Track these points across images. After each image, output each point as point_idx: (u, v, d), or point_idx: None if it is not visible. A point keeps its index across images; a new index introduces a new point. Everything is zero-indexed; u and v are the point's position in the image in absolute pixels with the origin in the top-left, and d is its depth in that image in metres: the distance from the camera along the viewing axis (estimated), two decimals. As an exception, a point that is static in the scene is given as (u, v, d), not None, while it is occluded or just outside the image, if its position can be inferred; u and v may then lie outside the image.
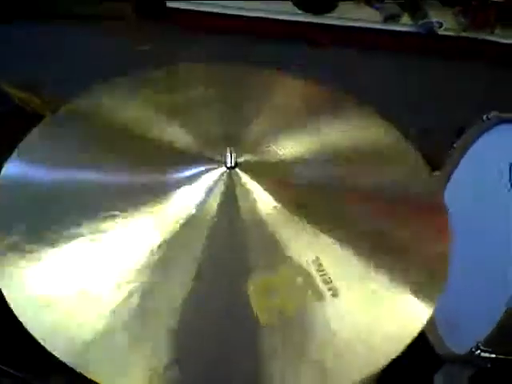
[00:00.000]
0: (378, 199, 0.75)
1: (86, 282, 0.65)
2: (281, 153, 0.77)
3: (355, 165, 0.78)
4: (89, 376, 0.59)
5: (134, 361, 0.61)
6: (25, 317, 0.62)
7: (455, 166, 1.44)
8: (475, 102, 1.63)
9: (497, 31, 1.97)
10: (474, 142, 1.38)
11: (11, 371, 1.11)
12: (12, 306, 0.63)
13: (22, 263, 0.66)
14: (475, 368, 1.37)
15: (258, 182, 0.72)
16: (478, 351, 1.13)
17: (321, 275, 0.66)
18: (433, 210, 0.75)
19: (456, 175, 1.44)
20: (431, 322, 1.39)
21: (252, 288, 0.64)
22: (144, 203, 0.70)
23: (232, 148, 0.72)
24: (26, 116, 1.39)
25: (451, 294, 1.33)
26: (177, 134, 0.79)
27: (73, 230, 0.68)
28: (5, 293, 0.64)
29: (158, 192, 0.71)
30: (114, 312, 0.63)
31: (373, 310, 0.66)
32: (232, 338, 0.63)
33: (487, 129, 1.33)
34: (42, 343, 0.60)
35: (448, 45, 1.97)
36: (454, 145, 1.42)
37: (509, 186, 1.18)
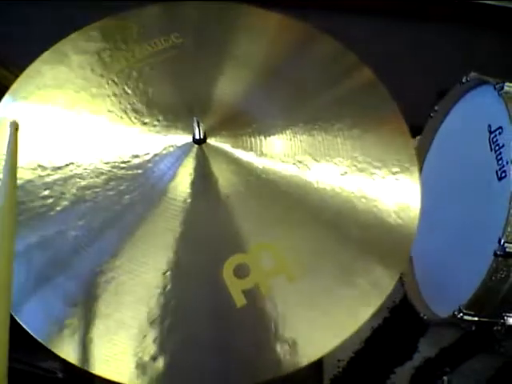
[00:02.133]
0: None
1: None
2: (250, 115, 0.73)
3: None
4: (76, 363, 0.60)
5: (119, 350, 0.61)
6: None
7: (436, 129, 1.43)
8: (453, 64, 1.61)
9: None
10: (454, 104, 1.37)
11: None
12: None
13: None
14: (460, 332, 1.38)
15: (231, 153, 0.69)
16: (461, 314, 1.14)
17: (292, 253, 0.65)
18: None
19: (437, 138, 1.43)
20: (415, 286, 1.40)
21: (226, 271, 0.63)
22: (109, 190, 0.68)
23: (198, 118, 0.68)
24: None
25: (435, 258, 1.34)
26: (132, 105, 0.74)
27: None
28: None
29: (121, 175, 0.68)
30: (89, 299, 0.62)
31: (340, 284, 0.65)
32: (212, 322, 0.63)
33: (467, 91, 1.32)
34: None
35: (429, 7, 1.94)
36: (435, 107, 1.41)
37: (488, 146, 1.17)
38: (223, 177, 0.68)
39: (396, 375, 1.38)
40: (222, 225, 0.66)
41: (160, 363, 0.60)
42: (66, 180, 0.67)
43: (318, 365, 1.35)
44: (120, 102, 0.73)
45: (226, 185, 0.67)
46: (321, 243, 0.66)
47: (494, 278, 1.08)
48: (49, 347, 0.59)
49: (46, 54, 0.76)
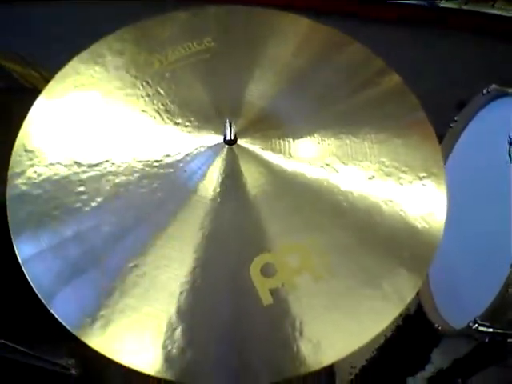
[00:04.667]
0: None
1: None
2: (280, 118, 0.74)
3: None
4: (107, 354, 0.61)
5: (149, 342, 0.62)
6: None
7: (456, 139, 1.43)
8: (474, 75, 1.62)
9: (498, 5, 1.95)
10: (474, 115, 1.38)
11: (14, 345, 1.13)
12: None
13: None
14: (473, 343, 1.37)
15: (260, 155, 0.71)
16: (476, 325, 1.13)
17: (318, 254, 0.66)
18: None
19: (456, 149, 1.44)
20: (429, 297, 1.40)
21: (254, 270, 0.65)
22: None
23: (230, 120, 0.69)
24: (25, 91, 1.38)
25: (450, 269, 1.34)
26: (164, 105, 0.75)
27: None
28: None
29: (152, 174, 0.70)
30: (122, 292, 0.63)
31: (364, 287, 0.66)
32: (238, 319, 0.64)
33: (487, 102, 1.32)
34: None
35: (449, 17, 1.95)
36: (455, 118, 1.41)
37: (508, 158, 1.17)
38: (252, 177, 0.69)
39: (407, 384, 1.38)
40: (250, 224, 0.67)
41: (187, 357, 0.61)
42: (100, 177, 0.69)
43: (330, 371, 1.35)
44: (153, 103, 0.75)
45: (255, 185, 0.69)
46: (346, 245, 0.67)
47: (510, 289, 1.08)
48: (80, 338, 0.61)
49: (82, 54, 0.79)
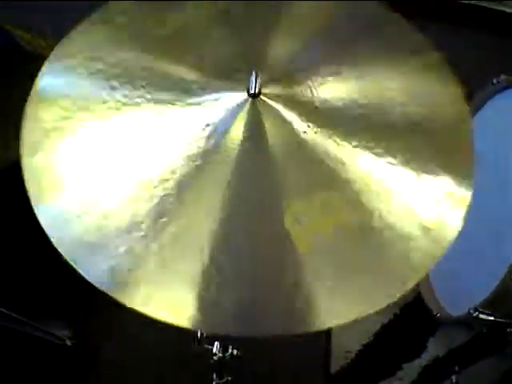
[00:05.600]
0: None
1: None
2: (305, 73, 0.72)
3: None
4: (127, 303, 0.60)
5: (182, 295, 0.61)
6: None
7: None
8: (478, 69, 1.62)
9: (505, 1, 1.95)
10: (482, 105, 1.38)
11: (12, 314, 1.12)
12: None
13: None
14: (471, 333, 1.37)
15: (284, 108, 0.69)
16: (476, 313, 1.12)
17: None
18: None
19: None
20: (429, 285, 1.39)
21: (288, 218, 0.63)
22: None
23: (256, 72, 0.66)
24: (28, 55, 1.37)
25: (450, 256, 1.34)
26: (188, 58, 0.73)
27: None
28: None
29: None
30: (146, 245, 0.63)
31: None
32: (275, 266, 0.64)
33: (496, 92, 1.32)
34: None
35: (455, 11, 1.96)
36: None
37: (517, 148, 1.18)
38: (277, 129, 0.68)
39: (403, 371, 1.38)
40: (279, 173, 0.67)
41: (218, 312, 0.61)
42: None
43: (325, 354, 1.35)
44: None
45: (281, 136, 0.68)
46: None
47: (513, 276, 1.07)
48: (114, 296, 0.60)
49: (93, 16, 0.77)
